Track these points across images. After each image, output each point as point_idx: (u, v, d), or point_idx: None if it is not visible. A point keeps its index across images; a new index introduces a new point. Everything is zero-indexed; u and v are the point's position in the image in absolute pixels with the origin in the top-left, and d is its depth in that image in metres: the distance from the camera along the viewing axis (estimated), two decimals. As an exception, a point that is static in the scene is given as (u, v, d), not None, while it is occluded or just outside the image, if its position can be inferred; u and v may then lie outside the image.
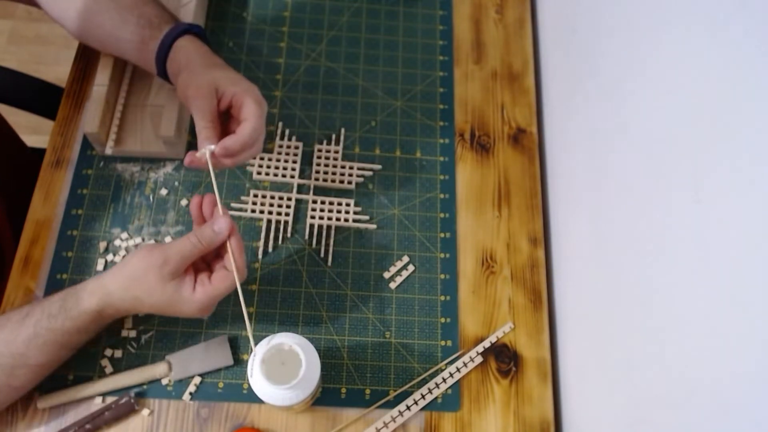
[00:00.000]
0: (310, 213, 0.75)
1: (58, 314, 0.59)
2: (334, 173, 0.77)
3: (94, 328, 0.61)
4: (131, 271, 0.59)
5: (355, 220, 0.75)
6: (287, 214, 0.75)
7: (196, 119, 0.62)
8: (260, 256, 0.72)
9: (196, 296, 0.59)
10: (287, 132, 0.79)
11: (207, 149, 0.60)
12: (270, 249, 0.73)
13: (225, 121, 0.65)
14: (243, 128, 0.61)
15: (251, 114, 0.61)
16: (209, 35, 0.84)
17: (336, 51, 0.85)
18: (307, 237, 0.74)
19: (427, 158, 0.79)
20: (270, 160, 0.77)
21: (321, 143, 0.79)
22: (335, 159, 0.78)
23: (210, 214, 0.61)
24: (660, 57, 0.55)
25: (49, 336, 0.59)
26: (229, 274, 0.59)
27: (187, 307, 0.59)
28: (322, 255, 0.73)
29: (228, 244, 0.59)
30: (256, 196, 0.75)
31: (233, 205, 0.75)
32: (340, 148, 0.79)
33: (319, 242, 0.74)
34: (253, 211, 0.74)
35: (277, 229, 0.74)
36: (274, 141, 0.78)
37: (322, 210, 0.75)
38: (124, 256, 0.71)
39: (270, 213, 0.74)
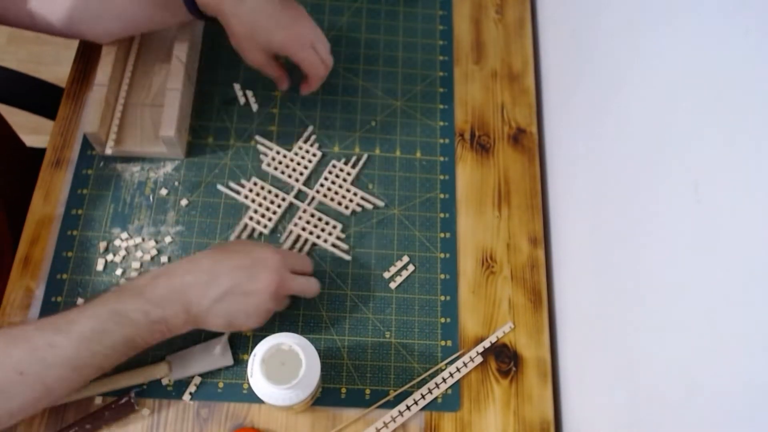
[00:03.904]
0: (295, 219, 0.75)
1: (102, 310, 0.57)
2: (336, 193, 0.76)
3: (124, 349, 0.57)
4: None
5: (333, 245, 0.74)
6: (274, 212, 0.74)
7: (262, 69, 0.74)
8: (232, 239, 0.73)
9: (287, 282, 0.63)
10: (312, 137, 0.79)
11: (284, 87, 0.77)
12: (241, 237, 0.73)
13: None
14: (311, 81, 0.75)
15: (313, 68, 0.73)
16: (209, 35, 0.84)
17: (336, 51, 0.84)
18: (282, 240, 0.74)
19: (427, 158, 0.79)
20: (285, 157, 0.77)
21: (339, 160, 0.78)
22: (344, 180, 0.77)
23: None
24: (659, 56, 0.55)
25: (94, 360, 0.56)
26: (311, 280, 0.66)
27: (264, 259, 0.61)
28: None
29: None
30: (255, 184, 0.75)
31: (231, 184, 0.75)
32: (354, 171, 0.77)
33: (291, 249, 0.73)
34: (246, 197, 0.75)
35: (258, 222, 0.74)
36: (294, 143, 0.78)
37: (307, 222, 0.74)
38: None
39: (260, 205, 0.74)
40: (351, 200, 0.76)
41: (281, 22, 0.69)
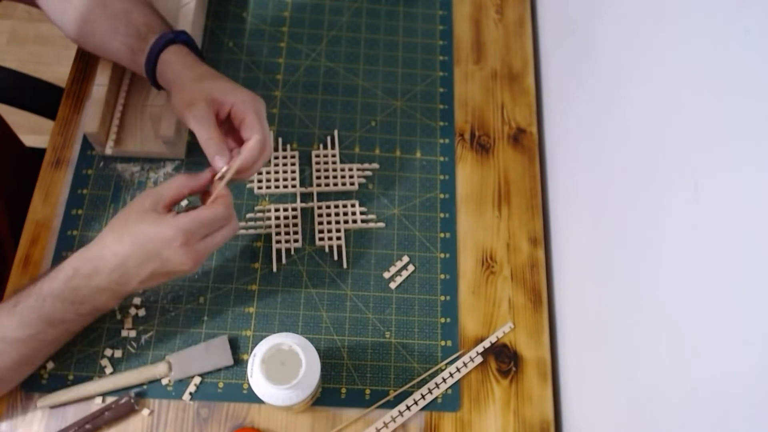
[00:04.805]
0: (318, 219, 0.75)
1: (37, 278, 0.59)
2: (335, 176, 0.77)
3: (71, 297, 0.58)
4: (116, 217, 0.60)
5: (363, 221, 0.75)
6: (295, 225, 0.74)
7: (198, 134, 0.61)
8: (275, 270, 0.72)
9: (178, 221, 0.56)
10: (280, 140, 0.79)
11: (221, 171, 0.60)
12: (284, 260, 0.72)
13: (226, 128, 0.64)
14: (250, 146, 0.60)
15: (255, 129, 0.61)
16: (209, 35, 0.84)
17: (336, 51, 0.85)
18: (317, 242, 0.73)
19: (427, 158, 0.79)
20: (269, 173, 0.77)
21: (318, 148, 0.79)
22: (333, 163, 0.78)
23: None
24: (659, 56, 0.55)
25: (26, 302, 0.58)
26: (215, 203, 0.59)
27: (168, 244, 0.56)
28: (336, 258, 0.73)
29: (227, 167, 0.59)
30: (261, 212, 0.75)
31: (247, 223, 0.74)
32: (336, 151, 0.78)
33: (331, 248, 0.73)
34: (260, 227, 0.74)
35: (287, 241, 0.73)
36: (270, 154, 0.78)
37: (328, 215, 0.75)
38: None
39: (277, 226, 0.74)
40: (351, 176, 0.77)
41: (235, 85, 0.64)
